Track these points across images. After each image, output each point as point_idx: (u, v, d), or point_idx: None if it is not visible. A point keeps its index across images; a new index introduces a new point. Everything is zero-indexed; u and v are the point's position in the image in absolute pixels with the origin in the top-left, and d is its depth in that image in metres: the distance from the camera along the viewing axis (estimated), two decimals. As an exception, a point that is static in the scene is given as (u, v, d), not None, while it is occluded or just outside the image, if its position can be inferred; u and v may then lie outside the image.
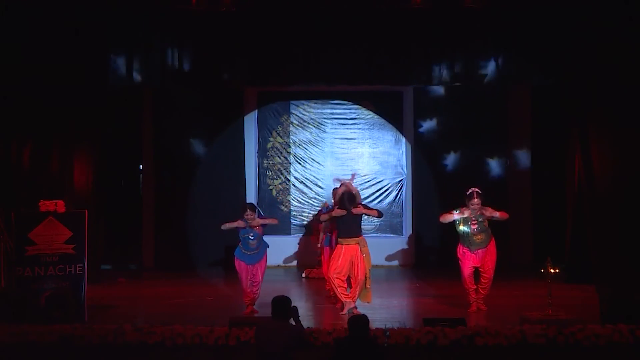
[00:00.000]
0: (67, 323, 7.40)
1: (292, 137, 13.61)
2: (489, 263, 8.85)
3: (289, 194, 13.57)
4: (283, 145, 13.63)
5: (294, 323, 5.92)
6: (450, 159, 13.15)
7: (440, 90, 13.05)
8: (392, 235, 13.42)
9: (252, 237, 8.85)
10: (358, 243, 8.70)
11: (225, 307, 9.09)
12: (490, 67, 10.65)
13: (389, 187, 13.50)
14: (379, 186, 13.50)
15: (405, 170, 13.56)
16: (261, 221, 9.03)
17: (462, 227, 8.83)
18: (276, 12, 10.37)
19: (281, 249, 13.13)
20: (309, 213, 13.36)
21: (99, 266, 11.33)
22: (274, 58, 10.61)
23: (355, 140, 13.63)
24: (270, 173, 13.64)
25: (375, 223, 13.33)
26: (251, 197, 13.33)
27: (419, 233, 13.24)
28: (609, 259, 9.31)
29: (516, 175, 13.20)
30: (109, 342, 7.00)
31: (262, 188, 13.57)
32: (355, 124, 13.63)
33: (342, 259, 8.65)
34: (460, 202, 8.92)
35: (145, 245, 13.23)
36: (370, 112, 13.57)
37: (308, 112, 13.63)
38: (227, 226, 8.95)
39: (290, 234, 13.38)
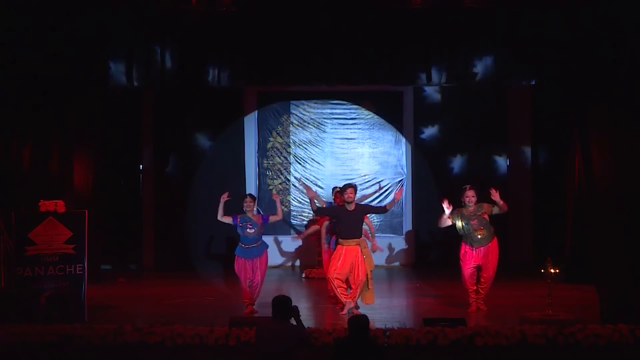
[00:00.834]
0: (67, 323, 7.40)
1: (292, 137, 13.61)
2: (491, 262, 8.81)
3: (289, 194, 13.58)
4: (283, 145, 13.63)
5: (294, 323, 5.92)
6: (450, 159, 13.15)
7: (440, 90, 13.05)
8: (392, 235, 13.42)
9: (251, 227, 8.82)
10: (359, 244, 8.70)
11: (225, 307, 9.08)
12: (490, 67, 10.64)
13: (389, 187, 13.50)
14: (379, 186, 13.50)
15: (405, 170, 13.56)
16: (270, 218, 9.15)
17: (460, 223, 8.81)
18: (276, 12, 10.36)
19: (281, 249, 13.17)
20: (309, 213, 13.33)
21: (99, 266, 11.34)
22: (273, 58, 10.60)
23: (355, 140, 13.63)
24: (270, 173, 13.64)
25: (376, 223, 13.32)
26: (251, 196, 13.32)
27: (419, 233, 13.25)
28: (609, 259, 9.31)
29: (516, 175, 13.20)
30: (109, 342, 7.00)
31: (262, 188, 13.57)
32: (355, 124, 13.63)
33: (342, 260, 8.64)
34: (460, 203, 8.91)
35: (145, 245, 13.23)
36: (370, 112, 13.57)
37: (308, 112, 13.63)
38: (222, 216, 8.99)
39: (290, 234, 13.37)
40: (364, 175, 13.53)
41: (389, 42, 10.50)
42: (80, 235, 8.30)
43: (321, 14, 10.35)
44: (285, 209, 13.51)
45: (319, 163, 13.61)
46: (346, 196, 8.76)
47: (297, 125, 13.61)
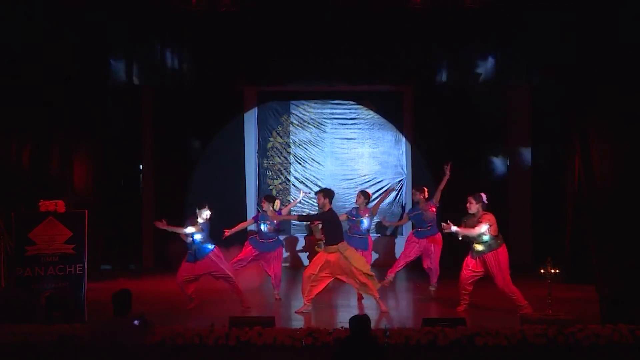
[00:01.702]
0: (67, 323, 7.40)
1: (292, 137, 13.62)
2: (495, 273, 8.64)
3: (289, 194, 13.58)
4: (283, 145, 13.63)
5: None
6: (450, 159, 13.10)
7: (440, 90, 13.03)
8: (392, 235, 13.41)
9: (269, 223, 9.68)
10: (338, 250, 8.70)
11: (225, 307, 9.08)
12: (490, 67, 10.66)
13: (389, 187, 13.50)
14: (379, 186, 13.51)
15: (405, 170, 13.57)
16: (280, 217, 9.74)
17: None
18: (276, 12, 10.37)
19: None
20: (308, 213, 13.34)
21: (99, 266, 11.33)
22: (274, 58, 10.62)
23: (355, 140, 13.64)
24: (270, 173, 13.65)
25: (376, 223, 13.36)
26: (251, 197, 13.35)
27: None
28: (609, 259, 9.30)
29: (516, 175, 13.21)
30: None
31: (262, 188, 13.57)
32: (355, 124, 13.64)
33: (318, 266, 8.76)
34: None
35: (145, 245, 13.23)
36: (370, 112, 13.58)
37: (308, 112, 13.64)
38: (235, 229, 9.69)
39: (290, 234, 13.38)
40: (364, 175, 13.54)
41: (389, 42, 10.52)
42: (80, 235, 8.30)
43: (321, 14, 10.36)
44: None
45: (319, 163, 13.61)
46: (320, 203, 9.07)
47: (297, 125, 13.62)
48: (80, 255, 8.27)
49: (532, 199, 13.11)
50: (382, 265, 12.96)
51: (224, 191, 13.08)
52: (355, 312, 8.54)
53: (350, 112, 13.62)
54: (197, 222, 9.11)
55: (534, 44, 10.33)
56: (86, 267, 8.34)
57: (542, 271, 7.98)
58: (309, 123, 13.62)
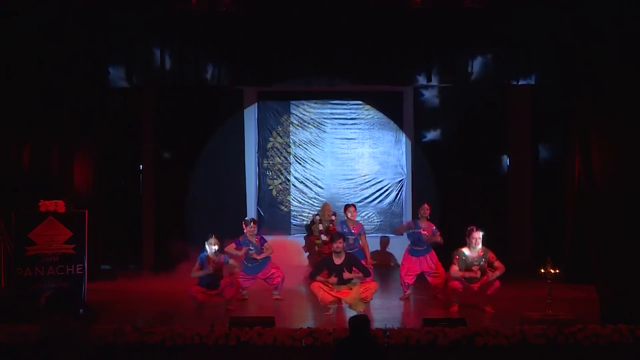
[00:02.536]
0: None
1: (292, 137, 13.61)
2: (489, 290, 8.90)
3: (289, 194, 13.58)
4: (283, 145, 13.63)
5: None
6: (451, 159, 13.13)
7: (440, 90, 13.05)
8: (392, 235, 13.41)
9: (252, 249, 9.70)
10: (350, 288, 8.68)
11: (225, 307, 9.07)
12: (490, 67, 10.63)
13: (389, 187, 13.51)
14: (379, 186, 13.51)
15: (405, 170, 13.56)
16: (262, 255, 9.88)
17: (462, 266, 8.88)
18: (276, 12, 10.36)
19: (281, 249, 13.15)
20: (309, 213, 13.36)
21: (99, 266, 11.33)
22: (274, 58, 10.60)
23: (355, 140, 13.64)
24: (270, 173, 13.64)
25: (376, 223, 13.37)
26: (251, 197, 13.34)
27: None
28: (609, 259, 9.29)
29: (516, 175, 13.20)
30: (109, 342, 7.00)
31: (262, 188, 13.57)
32: (355, 124, 13.63)
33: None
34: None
35: (145, 245, 13.22)
36: (371, 112, 13.58)
37: (308, 112, 13.64)
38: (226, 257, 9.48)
39: (290, 234, 13.37)
40: (364, 175, 13.54)
41: (389, 42, 10.49)
42: (80, 235, 8.32)
43: (321, 14, 10.35)
44: (285, 209, 13.54)
45: (319, 163, 13.61)
46: (334, 246, 8.73)
47: (297, 125, 13.62)
48: (80, 255, 8.29)
49: (532, 199, 13.10)
50: (382, 265, 12.99)
51: (224, 191, 13.09)
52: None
53: (350, 112, 13.62)
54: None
55: (534, 44, 10.31)
56: (86, 267, 8.35)
57: (542, 271, 7.99)
58: (309, 123, 13.62)
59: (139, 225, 13.23)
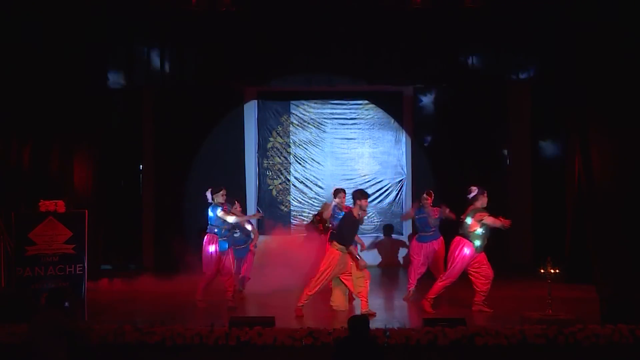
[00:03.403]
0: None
1: (292, 137, 13.61)
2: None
3: (289, 194, 13.58)
4: (283, 145, 13.63)
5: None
6: (450, 159, 13.13)
7: (440, 90, 13.04)
8: (392, 235, 13.42)
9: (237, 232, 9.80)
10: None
11: (225, 307, 9.08)
12: (490, 67, 10.65)
13: (389, 187, 13.51)
14: (379, 186, 13.51)
15: (405, 170, 13.56)
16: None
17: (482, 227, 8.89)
18: (276, 12, 10.37)
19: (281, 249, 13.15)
20: (309, 213, 13.35)
21: (99, 266, 11.32)
22: (274, 58, 10.61)
23: (355, 140, 13.64)
24: (270, 173, 13.64)
25: (376, 223, 13.36)
26: (251, 197, 13.35)
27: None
28: (609, 259, 9.29)
29: (516, 175, 13.20)
30: (109, 342, 7.00)
31: (262, 188, 13.57)
32: (355, 124, 13.63)
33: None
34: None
35: (145, 245, 13.23)
36: (370, 112, 13.58)
37: (308, 112, 13.63)
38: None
39: (290, 234, 13.36)
40: (364, 175, 13.54)
41: (389, 42, 10.51)
42: (80, 235, 8.30)
43: (321, 14, 10.36)
44: (285, 209, 13.54)
45: (319, 163, 13.61)
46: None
47: (297, 125, 13.61)
48: (80, 255, 8.28)
49: (532, 199, 13.10)
50: (386, 266, 13.01)
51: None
52: (354, 312, 8.56)
53: (350, 112, 13.62)
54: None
55: (534, 44, 10.33)
56: (86, 267, 8.34)
57: (542, 271, 7.98)
58: (309, 123, 13.62)
59: (139, 225, 13.24)
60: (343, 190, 10.25)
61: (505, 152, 13.21)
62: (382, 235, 13.34)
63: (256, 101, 13.56)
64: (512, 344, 6.94)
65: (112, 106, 11.89)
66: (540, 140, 13.10)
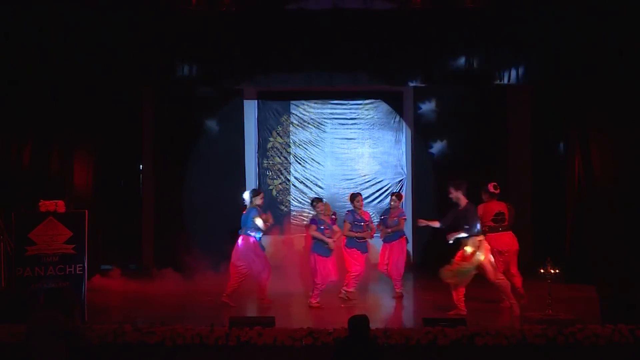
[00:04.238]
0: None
1: (292, 137, 13.62)
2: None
3: (289, 194, 13.58)
4: (283, 145, 13.63)
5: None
6: (451, 159, 13.14)
7: (440, 90, 13.05)
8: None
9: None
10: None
11: (225, 307, 9.08)
12: (490, 67, 10.64)
13: (389, 187, 13.50)
14: (379, 186, 13.51)
15: (405, 170, 13.56)
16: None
17: None
18: (276, 12, 10.37)
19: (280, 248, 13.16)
20: (309, 213, 13.34)
21: (99, 266, 11.33)
22: (274, 58, 10.60)
23: (355, 140, 13.64)
24: (270, 173, 13.64)
25: (376, 223, 13.32)
26: (251, 197, 13.33)
27: (419, 233, 13.22)
28: (609, 259, 9.30)
29: (516, 175, 13.19)
30: (109, 342, 7.01)
31: (262, 188, 13.54)
32: (355, 124, 13.64)
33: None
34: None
35: (145, 245, 13.23)
36: (370, 112, 13.58)
37: (308, 112, 13.64)
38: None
39: (290, 234, 13.35)
40: (364, 175, 13.54)
41: (390, 42, 10.50)
42: (80, 235, 8.30)
43: (321, 14, 10.36)
44: (285, 209, 13.54)
45: (319, 163, 13.61)
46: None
47: (297, 125, 13.62)
48: (80, 255, 8.28)
49: (532, 199, 13.10)
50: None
51: (223, 191, 13.07)
52: (354, 311, 8.55)
53: (350, 112, 13.62)
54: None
55: (534, 44, 10.32)
56: (86, 267, 8.34)
57: (542, 271, 7.98)
58: (309, 123, 13.62)
59: (139, 225, 13.25)
60: (359, 195, 10.24)
61: (506, 151, 13.21)
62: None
63: (256, 101, 13.57)
64: (512, 344, 6.94)
65: (112, 106, 11.88)
66: (540, 140, 13.09)
